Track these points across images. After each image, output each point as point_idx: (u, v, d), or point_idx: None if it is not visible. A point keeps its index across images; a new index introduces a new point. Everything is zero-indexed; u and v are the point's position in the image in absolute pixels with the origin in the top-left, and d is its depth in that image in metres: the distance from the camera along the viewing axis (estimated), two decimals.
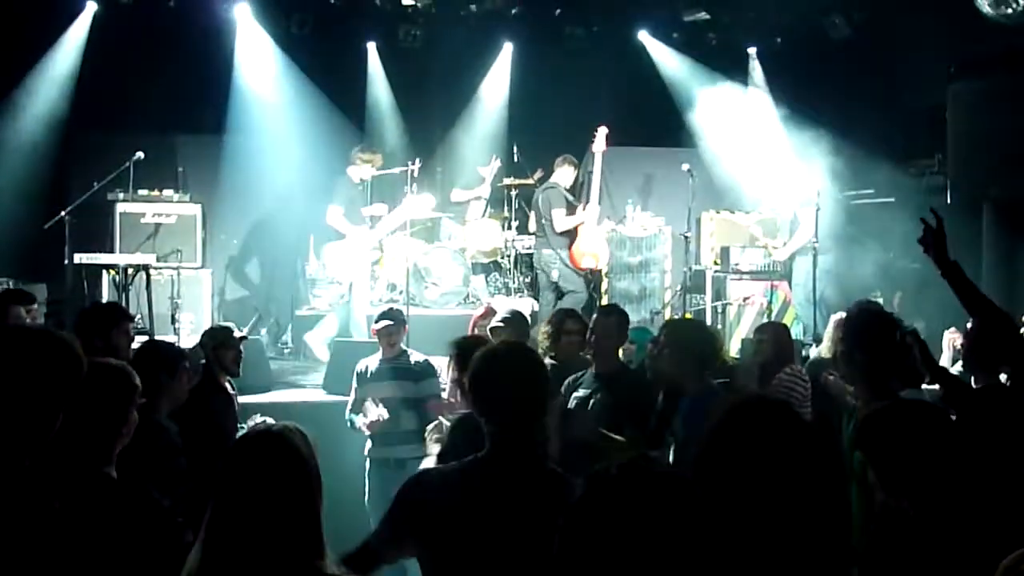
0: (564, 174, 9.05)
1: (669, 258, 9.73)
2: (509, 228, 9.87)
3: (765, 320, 7.95)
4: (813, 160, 9.09)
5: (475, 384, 2.44)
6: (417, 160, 9.24)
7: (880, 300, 7.78)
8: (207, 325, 8.55)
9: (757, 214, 10.02)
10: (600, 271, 9.25)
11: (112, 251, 8.84)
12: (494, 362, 2.45)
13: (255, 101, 9.91)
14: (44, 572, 1.63)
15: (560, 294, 8.81)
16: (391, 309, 5.97)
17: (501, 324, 5.05)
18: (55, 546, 1.67)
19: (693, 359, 3.65)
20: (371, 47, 10.58)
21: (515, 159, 10.14)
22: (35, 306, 4.98)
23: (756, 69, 10.64)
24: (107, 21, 9.56)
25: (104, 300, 7.96)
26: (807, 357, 6.74)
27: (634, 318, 8.96)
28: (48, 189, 8.87)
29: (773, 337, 5.22)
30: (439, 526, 2.27)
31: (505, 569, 2.21)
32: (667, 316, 9.11)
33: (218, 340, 5.20)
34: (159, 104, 9.60)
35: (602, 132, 9.23)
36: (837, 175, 9.21)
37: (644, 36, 10.68)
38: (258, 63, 9.95)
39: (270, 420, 3.93)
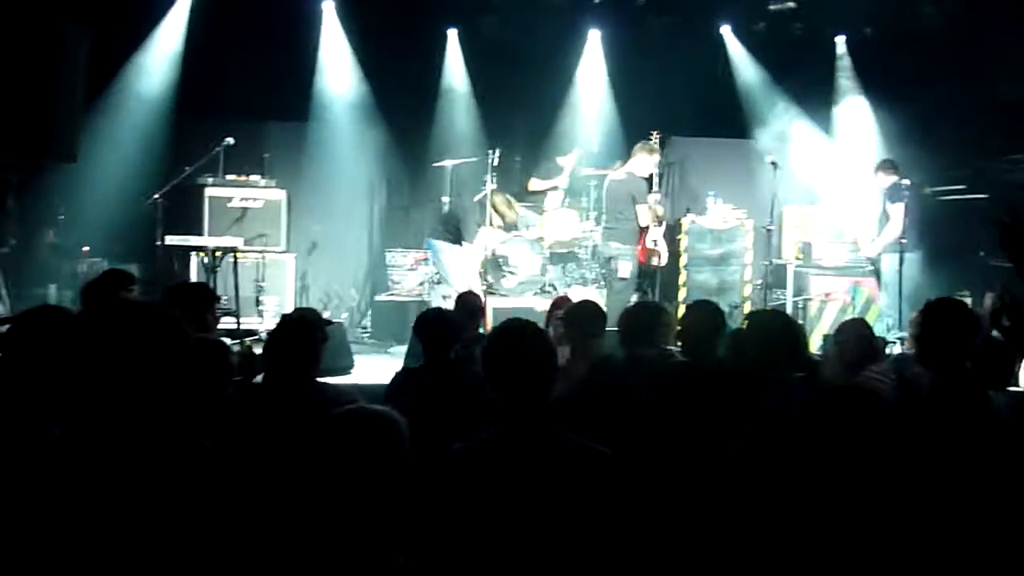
0: (641, 162, 8.61)
1: (750, 251, 9.61)
2: (587, 219, 9.85)
3: (848, 317, 7.76)
4: (901, 154, 8.91)
5: (485, 360, 2.57)
6: (497, 150, 9.35)
7: (969, 300, 7.68)
8: (290, 308, 8.64)
9: (842, 208, 9.86)
10: (660, 268, 9.15)
11: (201, 234, 8.98)
12: (502, 339, 2.58)
13: (336, 89, 10.07)
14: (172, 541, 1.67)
15: (627, 288, 8.64)
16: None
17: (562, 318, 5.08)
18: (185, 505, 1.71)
19: (776, 350, 3.58)
20: (451, 34, 10.63)
21: (595, 149, 10.09)
22: (134, 287, 5.12)
23: (843, 59, 10.42)
24: (198, 8, 9.75)
25: (193, 280, 8.14)
26: (891, 355, 6.62)
27: None
28: (142, 172, 9.08)
29: (855, 335, 5.06)
30: (460, 507, 2.32)
31: (528, 541, 2.25)
32: (746, 310, 9.00)
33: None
34: (248, 91, 9.77)
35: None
36: (926, 169, 9.02)
37: (726, 31, 10.55)
38: (339, 52, 10.10)
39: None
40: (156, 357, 1.73)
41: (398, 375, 4.34)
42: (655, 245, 8.93)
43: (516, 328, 2.64)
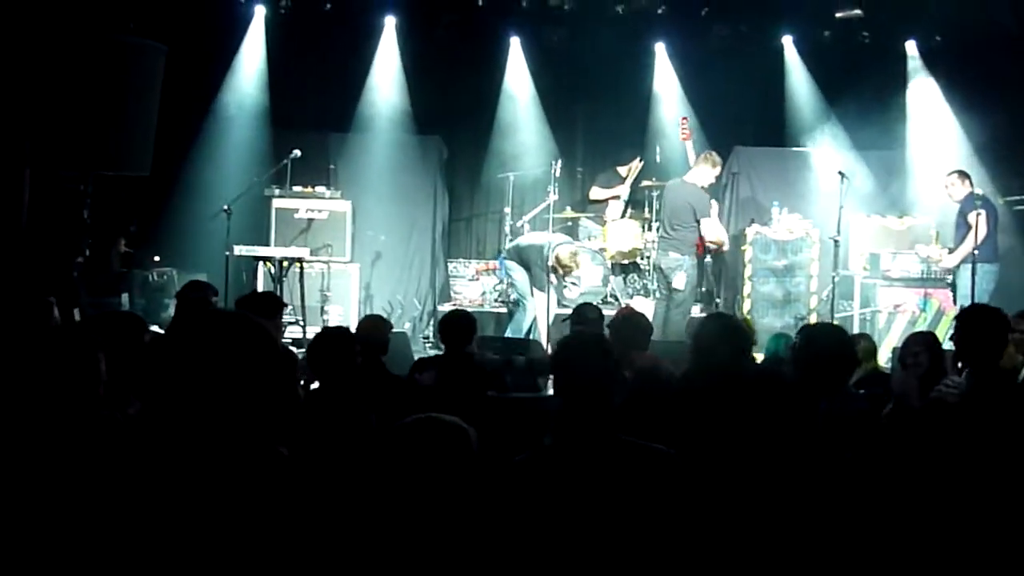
0: (702, 172, 8.35)
1: (816, 263, 9.48)
2: (649, 229, 9.81)
3: (917, 329, 7.63)
4: (974, 163, 8.76)
5: (552, 369, 2.76)
6: (559, 160, 9.46)
7: None
8: (354, 317, 8.85)
9: (911, 219, 9.68)
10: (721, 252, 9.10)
11: (268, 244, 9.11)
12: (567, 350, 2.71)
13: (398, 101, 10.18)
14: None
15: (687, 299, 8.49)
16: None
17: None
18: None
19: (829, 364, 3.52)
20: (514, 43, 10.66)
21: (657, 159, 10.07)
22: (216, 298, 5.18)
23: (914, 67, 10.22)
24: (268, 24, 10.01)
25: (260, 290, 8.21)
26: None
27: (777, 324, 8.96)
28: (211, 183, 9.21)
29: (927, 347, 4.99)
30: (529, 516, 2.34)
31: (600, 545, 2.26)
32: (813, 322, 8.89)
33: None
34: (314, 103, 10.03)
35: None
36: (998, 180, 8.79)
37: (787, 42, 10.46)
38: (398, 64, 10.25)
39: None
40: (249, 366, 1.74)
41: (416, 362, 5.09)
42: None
43: (580, 340, 2.78)
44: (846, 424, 2.92)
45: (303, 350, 6.80)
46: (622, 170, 10.06)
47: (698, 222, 8.19)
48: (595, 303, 8.76)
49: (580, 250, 9.23)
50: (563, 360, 2.66)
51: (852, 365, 3.67)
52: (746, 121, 10.33)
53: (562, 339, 2.82)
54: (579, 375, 2.55)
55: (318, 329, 8.35)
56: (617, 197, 10.01)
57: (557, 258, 8.64)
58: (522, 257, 8.85)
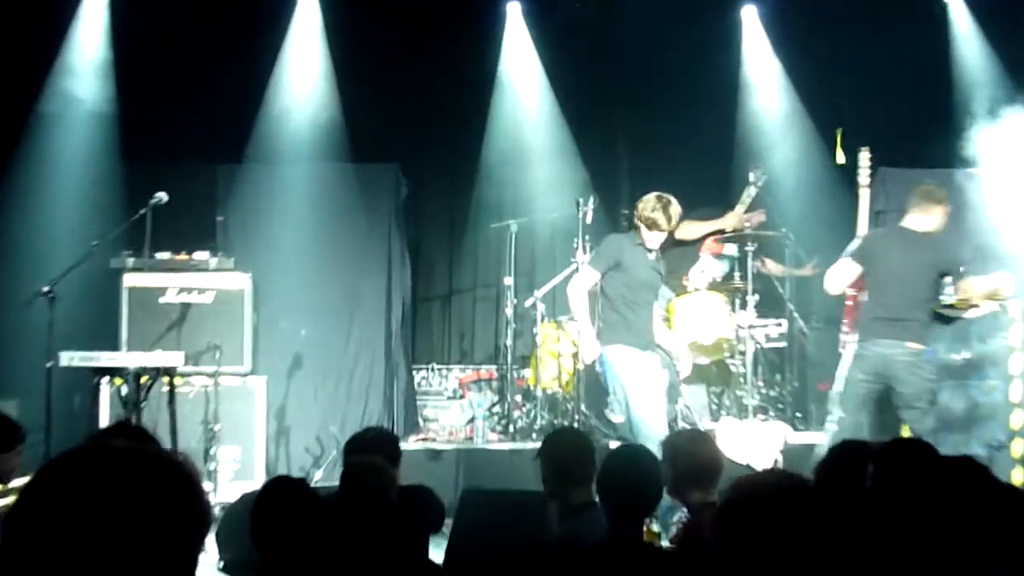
0: (930, 213, 8.29)
1: (1020, 353, 9.19)
2: (743, 305, 9.80)
3: None
4: None
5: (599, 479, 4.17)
6: (592, 198, 9.31)
7: None
8: (260, 465, 9.00)
9: None
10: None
11: (116, 347, 9.14)
12: (614, 460, 4.12)
13: (322, 111, 10.64)
14: None
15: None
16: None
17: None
18: None
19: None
20: (513, 10, 10.96)
21: (755, 186, 10.13)
22: (22, 446, 5.17)
23: None
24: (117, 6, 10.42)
25: (106, 421, 8.34)
26: None
27: (962, 452, 8.54)
28: (22, 247, 9.42)
29: None
30: None
31: None
32: (1019, 451, 8.63)
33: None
34: (189, 117, 10.34)
35: (864, 156, 8.87)
36: None
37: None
38: (317, 56, 10.79)
39: None
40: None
41: None
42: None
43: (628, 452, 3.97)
44: None
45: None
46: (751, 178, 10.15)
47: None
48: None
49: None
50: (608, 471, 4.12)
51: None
52: (893, 124, 10.52)
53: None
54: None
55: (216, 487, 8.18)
56: (722, 233, 10.14)
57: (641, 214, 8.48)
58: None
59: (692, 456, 5.25)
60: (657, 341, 8.33)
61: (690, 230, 10.23)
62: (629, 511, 4.69)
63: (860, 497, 4.30)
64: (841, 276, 8.32)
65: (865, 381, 8.11)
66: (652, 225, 7.95)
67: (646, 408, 7.84)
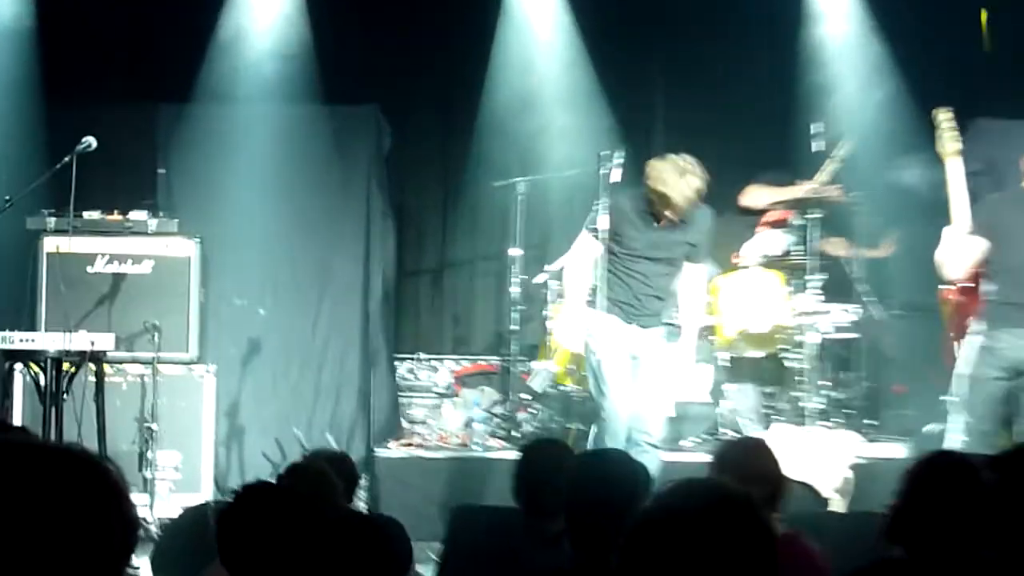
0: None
1: None
2: (804, 287, 9.64)
3: None
4: None
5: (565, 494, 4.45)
6: (618, 152, 8.85)
7: None
8: (207, 474, 9.09)
9: None
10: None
11: (33, 326, 9.13)
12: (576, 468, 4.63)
13: (286, 36, 10.49)
14: None
15: None
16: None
17: None
18: None
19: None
20: None
21: (838, 158, 9.93)
22: None
23: None
24: None
25: (18, 415, 8.48)
26: None
27: None
28: None
29: None
30: None
31: None
32: None
33: None
34: (123, 48, 10.45)
35: (945, 117, 8.52)
36: None
37: None
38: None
39: None
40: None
41: None
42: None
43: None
44: None
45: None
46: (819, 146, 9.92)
47: None
48: (694, 439, 9.52)
49: None
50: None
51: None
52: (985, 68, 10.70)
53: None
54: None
55: (136, 498, 8.29)
56: (797, 201, 9.95)
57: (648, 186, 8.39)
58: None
59: (748, 472, 5.01)
60: (671, 318, 8.54)
61: (757, 196, 10.28)
62: (592, 533, 4.42)
63: (965, 524, 4.16)
64: (966, 255, 8.16)
65: (998, 379, 8.01)
66: (663, 203, 7.93)
67: (614, 392, 8.02)
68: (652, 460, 8.02)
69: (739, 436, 8.76)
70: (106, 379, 8.27)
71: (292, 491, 4.57)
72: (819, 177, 9.97)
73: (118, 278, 9.38)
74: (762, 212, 10.32)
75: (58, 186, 8.76)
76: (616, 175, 8.70)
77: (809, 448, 8.80)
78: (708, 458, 8.19)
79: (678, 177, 7.78)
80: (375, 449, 9.83)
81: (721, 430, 9.55)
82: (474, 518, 6.75)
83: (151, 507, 8.54)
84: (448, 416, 10.28)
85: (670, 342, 8.44)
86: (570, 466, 4.95)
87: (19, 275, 9.41)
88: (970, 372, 8.01)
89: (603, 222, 8.53)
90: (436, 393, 10.59)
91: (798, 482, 8.25)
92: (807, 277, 9.63)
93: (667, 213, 7.99)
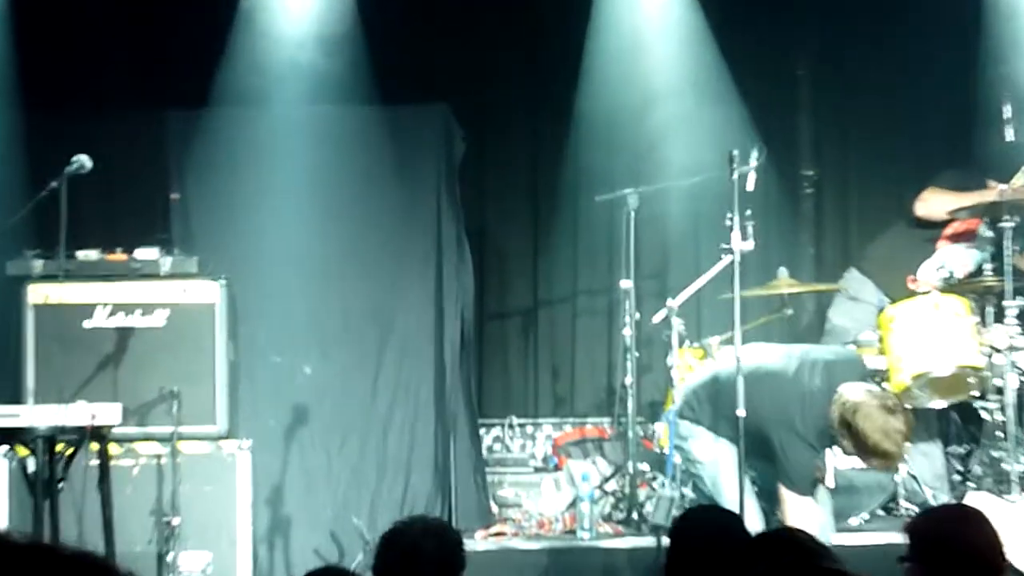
0: None
1: None
2: (999, 316, 9.50)
3: None
4: None
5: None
6: (759, 150, 8.89)
7: None
8: None
9: None
10: None
11: (18, 399, 9.04)
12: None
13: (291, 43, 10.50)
14: None
15: None
16: None
17: None
18: None
19: None
20: None
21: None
22: None
23: None
24: None
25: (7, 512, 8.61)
26: None
27: None
28: None
29: None
30: None
31: None
32: None
33: None
34: (122, 53, 10.53)
35: None
36: None
37: None
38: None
39: None
40: None
41: None
42: None
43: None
44: None
45: None
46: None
47: None
48: (865, 512, 9.52)
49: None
50: None
51: None
52: None
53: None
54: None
55: None
56: (983, 209, 9.82)
57: (844, 417, 8.29)
58: (718, 400, 8.86)
59: (962, 551, 4.79)
60: None
61: (936, 203, 10.15)
62: None
63: None
64: None
65: None
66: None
67: None
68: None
69: (941, 505, 8.44)
70: (112, 461, 8.09)
71: None
72: (1018, 177, 9.85)
73: (124, 334, 9.20)
74: (943, 223, 10.17)
75: (45, 219, 8.68)
76: (751, 181, 8.69)
77: (1012, 523, 8.21)
78: (884, 538, 8.51)
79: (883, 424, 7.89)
80: (463, 542, 9.39)
81: (902, 504, 9.29)
82: None
83: None
84: (549, 496, 10.14)
85: None
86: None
87: (6, 337, 9.43)
88: None
89: (737, 241, 8.55)
90: (533, 467, 10.46)
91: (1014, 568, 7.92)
92: (1003, 303, 9.46)
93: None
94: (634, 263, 9.75)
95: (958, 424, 9.96)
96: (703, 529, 5.46)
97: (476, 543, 9.28)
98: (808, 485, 8.35)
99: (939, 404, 9.51)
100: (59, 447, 7.57)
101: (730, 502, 8.44)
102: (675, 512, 9.16)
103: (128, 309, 9.16)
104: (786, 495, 8.36)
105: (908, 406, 8.81)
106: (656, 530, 9.17)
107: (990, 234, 9.74)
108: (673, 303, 9.60)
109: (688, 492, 9.27)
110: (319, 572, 4.67)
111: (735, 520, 6.17)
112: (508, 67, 11.21)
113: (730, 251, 8.53)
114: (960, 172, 10.24)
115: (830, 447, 8.48)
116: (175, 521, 8.67)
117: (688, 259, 10.31)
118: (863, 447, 8.17)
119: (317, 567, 9.25)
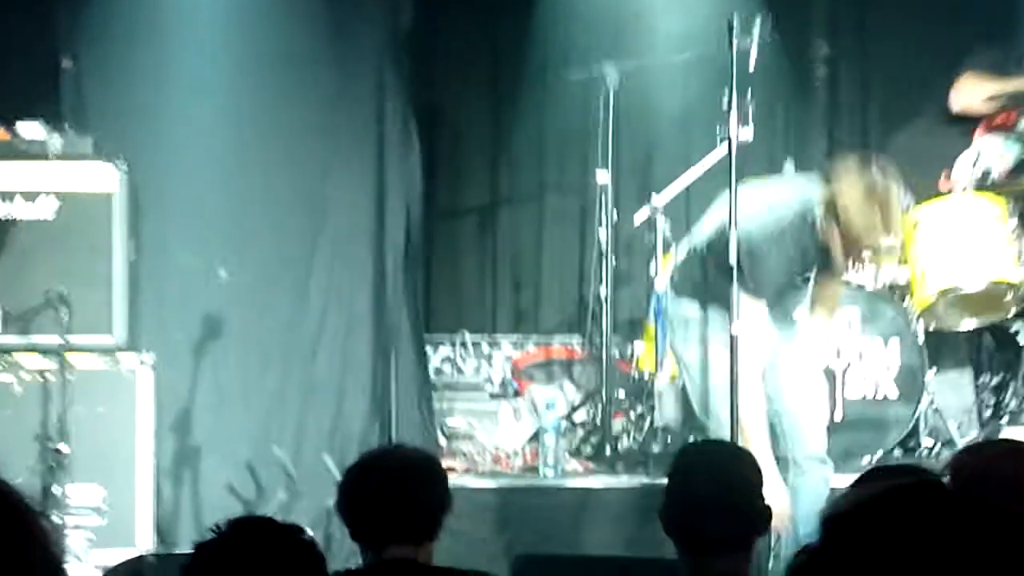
0: None
1: None
2: None
3: None
4: None
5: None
6: (758, 20, 8.79)
7: None
8: (144, 519, 8.90)
9: None
10: None
11: None
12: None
13: None
14: None
15: None
16: None
17: None
18: None
19: None
20: None
21: None
22: None
23: None
24: None
25: None
26: None
27: None
28: None
29: None
30: None
31: None
32: None
33: None
34: None
35: None
36: None
37: None
38: None
39: None
40: None
41: None
42: None
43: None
44: None
45: None
46: None
47: None
48: (881, 449, 9.79)
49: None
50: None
51: None
52: None
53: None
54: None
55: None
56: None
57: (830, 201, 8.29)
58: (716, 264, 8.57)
59: (1017, 488, 4.59)
60: None
61: (973, 92, 10.06)
62: (700, 544, 4.92)
63: None
64: None
65: None
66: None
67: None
68: (818, 483, 8.26)
69: (987, 441, 8.48)
70: None
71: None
72: None
73: (3, 226, 9.07)
74: (981, 118, 10.11)
75: None
76: (753, 54, 8.58)
77: None
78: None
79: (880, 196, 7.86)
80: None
81: (923, 441, 9.50)
82: (547, 573, 7.24)
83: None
84: (507, 426, 10.21)
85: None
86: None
87: None
88: None
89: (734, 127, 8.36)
90: (488, 393, 10.57)
91: None
92: None
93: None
94: (612, 153, 9.78)
95: (991, 349, 10.08)
96: (705, 469, 5.30)
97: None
98: (773, 293, 8.12)
99: (969, 325, 9.64)
100: None
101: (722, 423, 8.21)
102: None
103: (8, 196, 9.05)
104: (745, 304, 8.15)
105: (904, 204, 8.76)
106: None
107: None
108: (658, 200, 9.71)
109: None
110: (239, 522, 4.27)
111: (746, 458, 5.92)
112: None
113: (727, 139, 8.24)
114: (1001, 51, 10.12)
115: (813, 268, 8.22)
116: (64, 448, 8.54)
117: (676, 149, 10.33)
118: (849, 236, 7.97)
119: (237, 512, 8.52)
